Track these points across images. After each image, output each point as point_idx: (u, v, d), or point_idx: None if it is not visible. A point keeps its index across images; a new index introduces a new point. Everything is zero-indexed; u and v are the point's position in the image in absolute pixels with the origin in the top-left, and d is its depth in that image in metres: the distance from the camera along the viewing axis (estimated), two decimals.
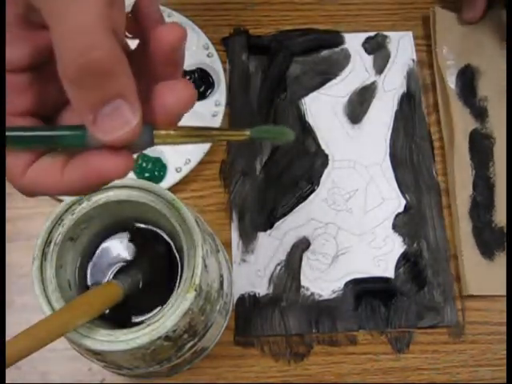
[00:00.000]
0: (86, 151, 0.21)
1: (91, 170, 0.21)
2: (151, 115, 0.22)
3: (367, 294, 0.45)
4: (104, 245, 0.37)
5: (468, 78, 0.51)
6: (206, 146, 0.47)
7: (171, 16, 0.52)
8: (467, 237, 0.46)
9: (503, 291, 0.44)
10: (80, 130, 0.21)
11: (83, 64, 0.18)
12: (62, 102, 0.23)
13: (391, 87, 0.52)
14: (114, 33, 0.19)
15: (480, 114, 0.50)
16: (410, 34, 0.54)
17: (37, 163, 0.22)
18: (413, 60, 0.53)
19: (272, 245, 0.46)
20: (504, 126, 0.49)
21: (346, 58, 0.53)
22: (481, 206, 0.47)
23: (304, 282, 0.45)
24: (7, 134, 0.21)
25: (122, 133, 0.20)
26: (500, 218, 0.47)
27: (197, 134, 0.23)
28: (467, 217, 0.47)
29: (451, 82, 0.51)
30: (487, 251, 0.46)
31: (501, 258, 0.45)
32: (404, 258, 0.46)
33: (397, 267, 0.46)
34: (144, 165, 0.47)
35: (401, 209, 0.47)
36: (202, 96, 0.50)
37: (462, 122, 0.49)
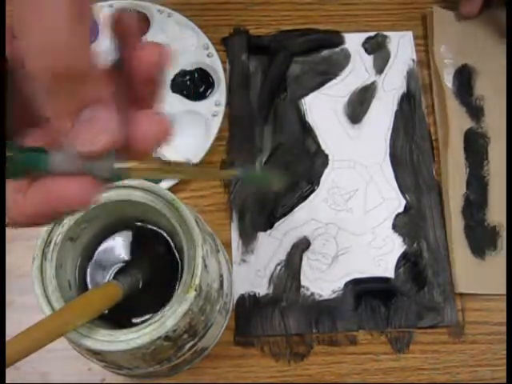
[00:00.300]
0: (50, 175, 0.20)
1: (53, 194, 0.20)
2: (126, 143, 0.20)
3: (367, 294, 0.45)
4: (104, 245, 0.37)
5: (465, 77, 0.51)
6: (206, 146, 0.47)
7: (171, 16, 0.52)
8: (459, 235, 0.46)
9: (494, 290, 0.45)
10: (42, 152, 0.20)
11: (57, 69, 0.18)
12: (20, 125, 0.21)
13: (391, 87, 0.52)
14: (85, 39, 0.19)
15: (476, 113, 0.50)
16: (410, 33, 0.54)
17: None
18: (413, 60, 0.53)
19: (272, 245, 0.46)
20: (499, 126, 0.49)
21: (345, 57, 0.53)
22: (474, 205, 0.47)
23: (304, 281, 0.45)
24: None
25: (103, 140, 0.19)
26: (493, 217, 0.47)
27: (170, 169, 0.21)
28: (460, 215, 0.47)
29: (448, 80, 0.51)
30: (479, 250, 0.46)
31: (492, 258, 0.46)
32: (404, 258, 0.46)
33: (397, 267, 0.46)
34: None
35: (401, 209, 0.48)
36: (202, 96, 0.50)
37: (458, 121, 0.49)
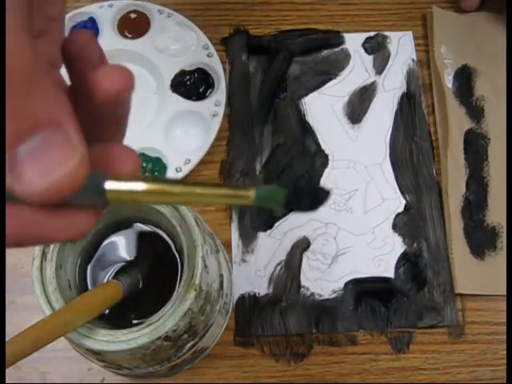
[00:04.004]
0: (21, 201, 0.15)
1: (26, 228, 0.15)
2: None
3: (367, 294, 0.45)
4: (104, 245, 0.37)
5: (465, 77, 0.51)
6: (206, 146, 0.47)
7: (171, 16, 0.52)
8: (458, 235, 0.46)
9: (493, 291, 0.45)
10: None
11: None
12: None
13: (391, 87, 0.52)
14: (34, 45, 0.14)
15: (476, 113, 0.50)
16: (410, 33, 0.54)
17: None
18: (413, 60, 0.53)
19: (272, 245, 0.46)
20: (499, 126, 0.49)
21: (345, 57, 0.53)
22: (473, 206, 0.47)
23: (304, 281, 0.45)
24: None
25: (56, 176, 0.13)
26: (492, 218, 0.47)
27: (172, 191, 0.16)
28: (459, 216, 0.47)
29: (448, 81, 0.51)
30: (478, 250, 0.46)
31: (491, 258, 0.45)
32: (404, 258, 0.46)
33: (397, 267, 0.46)
34: (144, 165, 0.47)
35: (401, 209, 0.47)
36: (201, 96, 0.50)
37: (458, 121, 0.49)
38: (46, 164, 0.14)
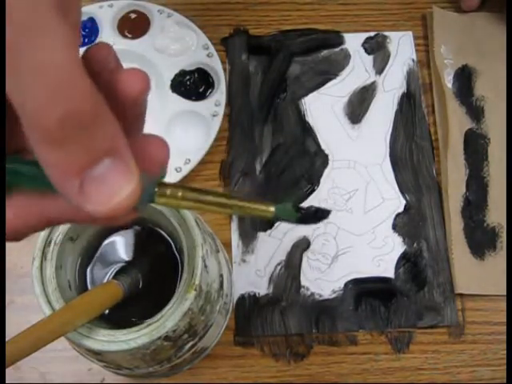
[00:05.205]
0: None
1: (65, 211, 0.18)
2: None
3: (367, 293, 0.45)
4: (104, 244, 0.37)
5: (465, 77, 0.51)
6: (206, 146, 0.47)
7: (171, 16, 0.52)
8: (458, 236, 0.46)
9: (493, 291, 0.45)
10: (33, 164, 0.16)
11: (65, 115, 0.14)
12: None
13: (391, 87, 0.52)
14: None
15: (476, 113, 0.50)
16: (410, 33, 0.54)
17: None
18: (413, 60, 0.53)
19: (272, 245, 0.46)
20: (499, 127, 0.49)
21: (345, 58, 0.53)
22: (473, 206, 0.47)
23: (304, 281, 0.45)
24: None
25: (120, 199, 0.16)
26: (492, 218, 0.47)
27: (210, 200, 0.19)
28: (459, 216, 0.47)
29: (448, 81, 0.51)
30: (478, 251, 0.46)
31: (492, 258, 0.45)
32: (404, 258, 0.46)
33: (397, 267, 0.46)
34: None
35: (401, 209, 0.47)
36: (201, 96, 0.50)
37: (458, 121, 0.49)
38: (111, 188, 0.16)
